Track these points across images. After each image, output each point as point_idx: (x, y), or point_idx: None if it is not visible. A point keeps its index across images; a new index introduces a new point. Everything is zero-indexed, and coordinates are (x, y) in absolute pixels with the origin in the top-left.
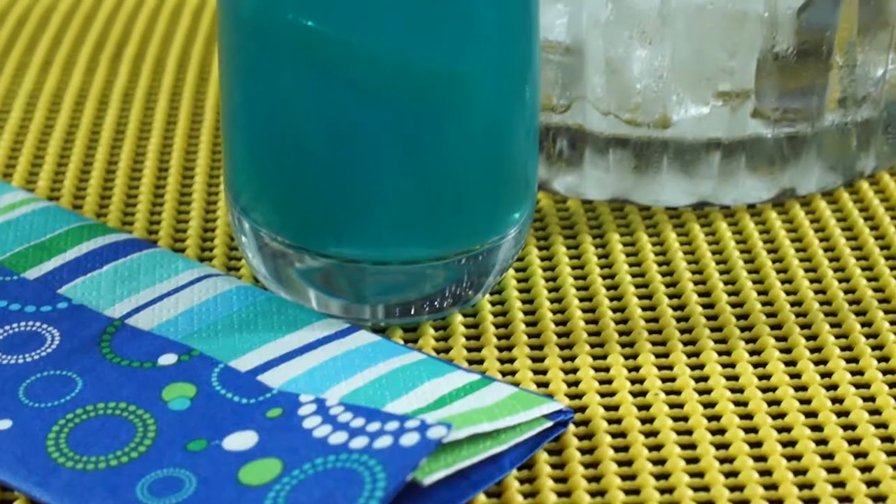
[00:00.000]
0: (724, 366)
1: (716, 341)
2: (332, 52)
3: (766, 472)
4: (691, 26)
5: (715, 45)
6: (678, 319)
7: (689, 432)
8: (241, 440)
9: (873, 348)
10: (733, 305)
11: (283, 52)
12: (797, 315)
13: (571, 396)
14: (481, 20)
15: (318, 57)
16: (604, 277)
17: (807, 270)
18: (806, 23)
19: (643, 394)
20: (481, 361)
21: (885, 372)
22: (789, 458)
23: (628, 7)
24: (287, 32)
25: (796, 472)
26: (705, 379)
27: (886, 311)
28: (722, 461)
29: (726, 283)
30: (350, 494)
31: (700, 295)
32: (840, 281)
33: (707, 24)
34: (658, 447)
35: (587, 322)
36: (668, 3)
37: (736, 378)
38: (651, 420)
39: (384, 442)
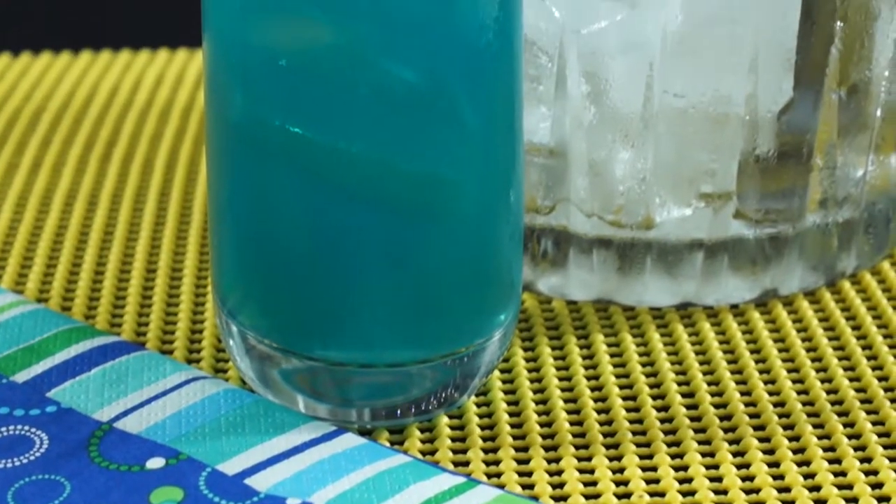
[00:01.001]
0: (708, 467)
1: (700, 442)
2: (318, 157)
3: None
4: (673, 129)
5: (697, 147)
6: (662, 420)
7: None
8: None
9: (856, 449)
10: (717, 406)
11: (270, 157)
12: (780, 416)
13: (556, 499)
14: (466, 125)
15: (305, 161)
16: (588, 378)
17: (790, 371)
18: (786, 125)
19: (627, 496)
20: (467, 463)
21: (867, 473)
22: None
23: (611, 110)
24: (274, 137)
25: None
26: (689, 480)
27: (868, 412)
28: None
29: (710, 384)
30: None
31: (684, 396)
32: (823, 381)
33: (689, 127)
34: None
35: (572, 423)
36: (650, 106)
37: (720, 479)
38: None
39: None
